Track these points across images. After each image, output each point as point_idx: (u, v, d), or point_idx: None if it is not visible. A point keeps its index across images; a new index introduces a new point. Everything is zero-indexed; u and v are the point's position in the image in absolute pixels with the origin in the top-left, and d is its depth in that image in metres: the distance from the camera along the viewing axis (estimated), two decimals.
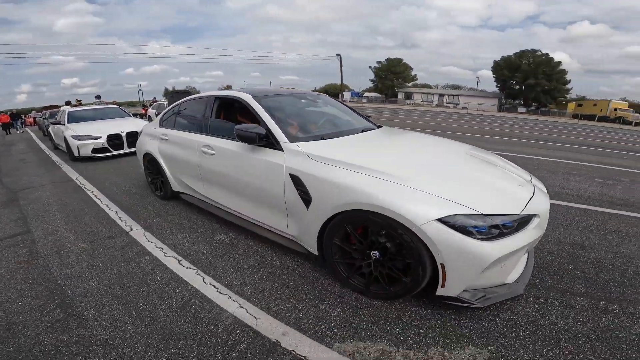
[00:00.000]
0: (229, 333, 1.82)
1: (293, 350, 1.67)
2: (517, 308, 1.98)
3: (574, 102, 42.65)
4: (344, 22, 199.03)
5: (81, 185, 5.16)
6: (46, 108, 18.40)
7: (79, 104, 12.46)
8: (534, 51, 44.99)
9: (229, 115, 3.20)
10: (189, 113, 3.49)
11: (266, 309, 2.01)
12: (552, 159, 7.35)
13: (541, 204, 1.92)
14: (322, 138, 2.48)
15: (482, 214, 1.62)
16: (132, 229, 3.30)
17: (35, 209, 4.12)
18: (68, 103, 13.60)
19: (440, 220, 1.60)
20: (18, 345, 1.76)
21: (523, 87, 45.75)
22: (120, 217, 3.64)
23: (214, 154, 2.86)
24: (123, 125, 7.53)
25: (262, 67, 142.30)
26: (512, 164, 2.55)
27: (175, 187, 3.73)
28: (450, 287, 1.73)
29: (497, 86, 49.52)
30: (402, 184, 1.76)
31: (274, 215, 2.43)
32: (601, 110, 36.25)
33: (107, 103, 12.53)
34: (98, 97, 13.28)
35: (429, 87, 58.48)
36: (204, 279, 2.35)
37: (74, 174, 6.00)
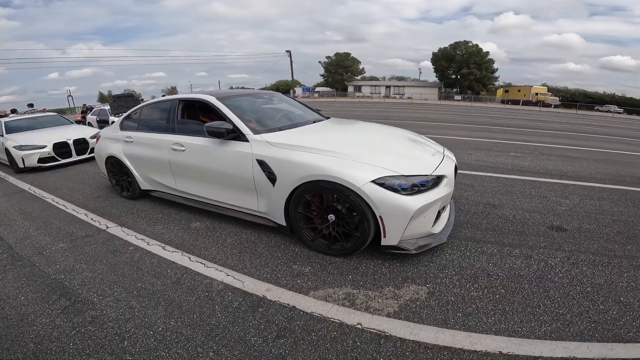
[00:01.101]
0: (222, 296, 2.23)
1: (278, 300, 2.11)
2: (445, 255, 2.56)
3: (502, 89, 47.79)
4: (291, 18, 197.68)
5: (37, 195, 5.05)
6: None
7: (12, 112, 11.38)
8: (466, 42, 49.46)
9: (193, 115, 3.57)
10: (154, 115, 3.76)
11: (249, 274, 2.46)
12: (478, 139, 8.67)
13: (448, 168, 2.55)
14: (280, 129, 3.00)
15: (403, 175, 2.20)
16: (107, 227, 3.51)
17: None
18: None
19: (373, 181, 2.16)
20: (38, 331, 1.99)
21: (458, 76, 50.10)
22: (92, 219, 3.80)
23: (184, 150, 3.23)
24: (69, 133, 7.25)
25: (209, 66, 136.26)
26: (431, 141, 3.27)
27: (144, 185, 3.97)
28: (390, 237, 2.25)
29: (436, 76, 53.56)
30: (345, 158, 2.33)
31: (245, 197, 2.89)
32: (524, 95, 41.24)
33: (39, 111, 11.59)
34: (30, 105, 12.21)
35: (377, 79, 61.32)
36: (190, 258, 2.75)
37: (24, 185, 5.75)
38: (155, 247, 2.98)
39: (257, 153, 2.67)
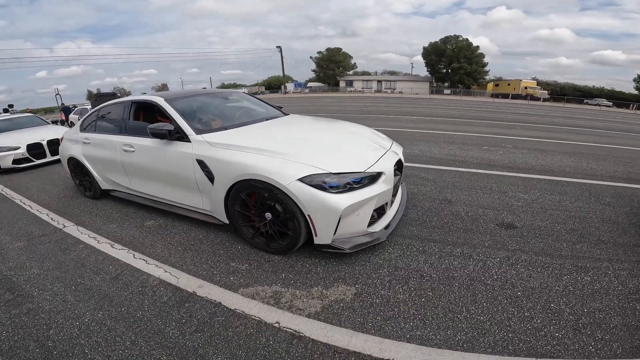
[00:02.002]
0: (155, 291, 2.31)
1: (206, 296, 2.18)
2: (384, 254, 2.53)
3: (492, 83, 48.13)
4: (282, 13, 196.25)
5: (8, 196, 5.13)
6: None
7: None
8: (456, 37, 49.69)
9: (147, 116, 3.68)
10: (109, 117, 3.87)
11: (187, 270, 2.57)
12: (455, 133, 8.83)
13: (388, 164, 2.50)
14: (225, 128, 3.10)
15: (332, 173, 2.19)
16: (65, 226, 3.63)
17: None
18: None
19: (300, 179, 2.17)
20: None
21: (449, 70, 50.27)
22: (52, 218, 3.91)
23: (134, 151, 3.34)
24: (43, 134, 7.31)
25: (200, 62, 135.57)
26: (382, 135, 3.31)
27: (104, 185, 4.09)
28: (322, 236, 2.26)
29: (427, 71, 53.77)
30: (278, 156, 2.35)
31: (191, 195, 3.01)
32: (514, 89, 41.64)
33: (20, 112, 11.57)
34: (10, 105, 12.20)
35: (369, 74, 61.39)
36: (134, 255, 2.88)
37: (3, 187, 5.84)
38: (104, 245, 3.10)
39: (197, 153, 2.78)
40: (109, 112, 3.91)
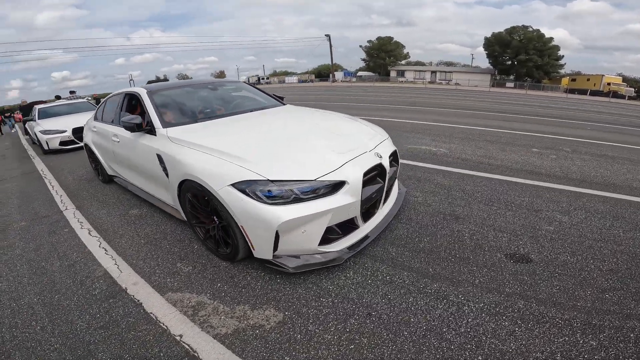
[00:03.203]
0: (93, 282, 2.27)
1: (133, 295, 2.09)
2: (340, 279, 2.06)
3: (568, 77, 42.23)
4: (334, 1, 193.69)
5: (42, 176, 5.66)
6: (28, 105, 16.16)
7: (56, 99, 12.87)
8: (524, 27, 44.38)
9: (138, 107, 3.66)
10: (109, 107, 3.95)
11: (133, 265, 2.46)
12: (500, 130, 7.47)
13: (355, 172, 2.00)
14: (196, 121, 2.90)
15: (268, 180, 1.81)
16: (66, 209, 3.81)
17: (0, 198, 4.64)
18: (58, 97, 13.95)
19: (232, 185, 1.87)
20: None
21: (515, 62, 45.25)
22: (61, 200, 4.15)
23: (119, 142, 3.34)
24: (88, 118, 7.98)
25: (256, 50, 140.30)
26: (371, 132, 2.73)
27: (109, 171, 4.23)
28: (261, 250, 1.95)
29: (489, 62, 49.12)
30: (220, 157, 2.06)
31: (159, 188, 2.90)
32: (594, 84, 36.06)
33: (84, 97, 12.92)
34: (72, 92, 13.70)
35: (423, 64, 57.97)
36: (100, 244, 2.85)
37: (41, 166, 6.50)
38: (83, 231, 3.15)
39: (157, 147, 2.62)
40: (110, 103, 4.00)
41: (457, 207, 3.01)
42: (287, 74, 77.26)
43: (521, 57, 43.56)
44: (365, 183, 2.11)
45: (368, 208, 2.28)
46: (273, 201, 1.82)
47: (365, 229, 2.26)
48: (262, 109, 3.49)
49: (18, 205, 4.19)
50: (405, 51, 56.67)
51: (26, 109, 13.30)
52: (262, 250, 1.96)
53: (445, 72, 50.18)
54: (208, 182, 2.01)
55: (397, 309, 1.82)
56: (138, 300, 2.07)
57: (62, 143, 7.45)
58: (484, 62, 54.27)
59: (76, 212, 3.69)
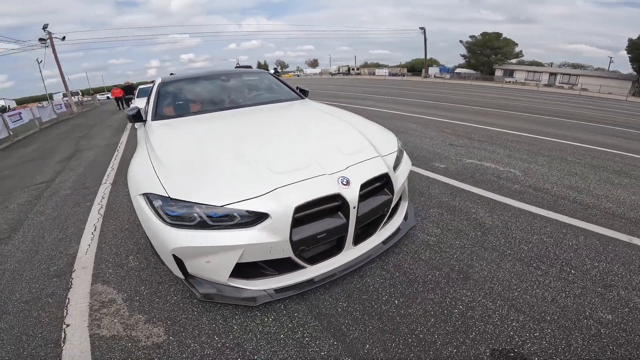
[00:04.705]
0: (60, 259, 2.35)
1: (72, 279, 2.10)
2: (254, 321, 1.65)
3: None
4: None
5: (117, 148, 6.48)
6: (129, 85, 16.33)
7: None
8: None
9: None
10: None
11: (99, 249, 2.47)
12: (617, 152, 5.14)
13: (283, 204, 1.52)
14: (180, 115, 2.76)
15: (169, 197, 1.54)
16: (104, 183, 4.17)
17: (75, 165, 5.46)
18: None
19: (142, 195, 1.66)
20: None
21: None
22: (108, 174, 4.59)
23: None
24: None
25: (350, 41, 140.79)
26: (352, 146, 2.02)
27: None
28: (171, 268, 1.73)
29: (632, 67, 38.69)
30: (153, 160, 1.85)
31: None
32: None
33: None
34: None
35: (540, 64, 49.26)
36: (95, 223, 2.97)
37: (124, 139, 7.49)
38: (95, 208, 3.37)
39: (139, 139, 2.56)
40: None
41: (477, 262, 2.06)
42: (378, 66, 75.36)
43: None
44: (307, 218, 1.60)
45: (330, 247, 1.80)
46: (173, 222, 1.53)
47: (312, 271, 1.75)
48: (268, 103, 3.15)
49: (79, 174, 4.79)
50: (517, 49, 49.02)
51: (127, 88, 15.80)
52: (173, 269, 1.70)
53: (569, 74, 41.45)
54: (130, 187, 1.86)
55: None
56: (70, 284, 2.08)
57: None
58: (625, 67, 43.07)
59: (108, 187, 3.98)
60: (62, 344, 1.59)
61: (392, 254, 2.15)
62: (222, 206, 1.51)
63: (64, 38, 22.29)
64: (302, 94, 3.56)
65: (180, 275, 1.70)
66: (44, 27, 21.22)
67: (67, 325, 1.71)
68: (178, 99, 3.10)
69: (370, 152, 1.98)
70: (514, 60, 48.62)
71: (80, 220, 3.08)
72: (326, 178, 1.68)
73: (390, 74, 57.09)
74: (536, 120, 8.80)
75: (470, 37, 51.42)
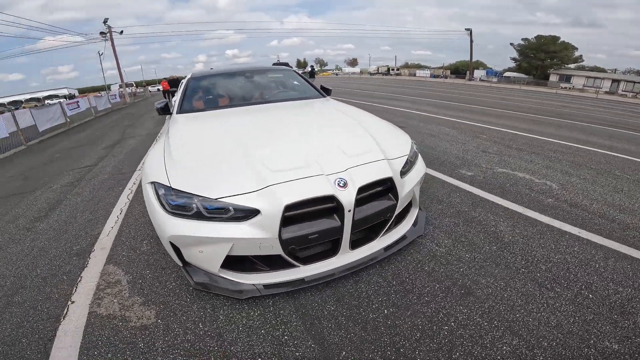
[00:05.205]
0: (84, 239, 2.58)
1: (89, 259, 2.28)
2: (240, 314, 1.68)
3: None
4: None
5: (157, 138, 6.92)
6: (175, 79, 16.38)
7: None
8: None
9: None
10: None
11: (120, 233, 2.66)
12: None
13: (274, 202, 1.54)
14: (209, 109, 2.90)
15: (170, 187, 1.62)
16: (138, 169, 4.49)
17: (118, 152, 5.93)
18: None
19: (150, 183, 1.75)
20: None
21: None
22: (143, 161, 4.91)
23: None
24: None
25: (392, 41, 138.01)
26: (356, 146, 1.97)
27: None
28: (171, 255, 1.80)
29: None
30: (166, 149, 1.96)
31: None
32: None
33: None
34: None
35: (603, 70, 44.74)
36: (122, 207, 3.19)
37: (165, 129, 7.99)
38: (126, 192, 3.62)
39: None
40: None
41: (483, 279, 1.90)
42: (419, 67, 73.06)
43: None
44: (300, 218, 1.60)
45: (325, 250, 1.81)
46: (173, 211, 1.60)
47: (304, 271, 1.74)
48: (288, 100, 3.19)
49: (119, 160, 5.19)
50: (576, 54, 45.00)
51: (173, 82, 16.31)
52: (172, 256, 1.77)
53: (634, 82, 37.19)
54: (142, 173, 1.96)
55: None
56: (86, 264, 2.23)
57: None
58: None
59: (140, 174, 4.25)
60: (62, 319, 1.71)
61: (394, 262, 2.07)
62: (216, 199, 1.56)
63: (121, 32, 24.29)
64: (325, 92, 3.56)
65: (179, 262, 1.77)
66: (105, 21, 23.27)
67: (72, 302, 1.84)
68: (201, 94, 3.24)
69: (376, 155, 1.91)
70: (572, 65, 44.72)
71: (110, 203, 3.33)
72: (322, 179, 1.65)
73: (432, 76, 55.14)
74: (585, 129, 8.00)
75: (522, 39, 48.16)
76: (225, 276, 1.71)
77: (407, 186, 1.96)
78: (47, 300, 1.89)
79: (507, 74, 49.54)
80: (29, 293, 1.96)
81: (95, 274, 2.10)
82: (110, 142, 7.09)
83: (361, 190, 1.68)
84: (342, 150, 1.88)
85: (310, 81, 3.81)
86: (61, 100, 10.83)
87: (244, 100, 3.18)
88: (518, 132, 6.66)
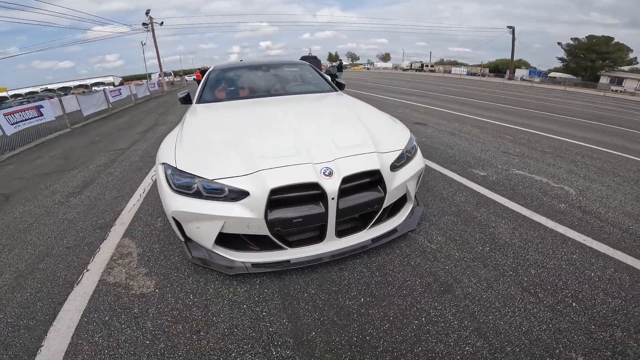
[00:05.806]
0: (108, 214, 2.85)
1: (109, 233, 2.53)
2: (228, 288, 1.85)
3: None
4: None
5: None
6: (206, 69, 18.98)
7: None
8: None
9: None
10: None
11: (140, 210, 2.92)
12: None
13: (261, 186, 1.68)
14: (224, 100, 3.11)
15: (176, 168, 1.82)
16: None
17: (150, 136, 6.38)
18: None
19: (162, 164, 1.96)
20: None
21: None
22: None
23: None
24: None
25: (428, 37, 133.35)
26: (351, 138, 2.06)
27: None
28: (175, 230, 1.97)
29: None
30: (176, 141, 2.13)
31: None
32: None
33: None
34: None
35: None
36: (146, 186, 3.47)
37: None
38: (151, 173, 3.90)
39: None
40: None
41: (466, 278, 1.92)
42: (455, 64, 70.07)
43: None
44: (288, 202, 1.74)
45: (317, 233, 1.94)
46: (177, 189, 1.80)
47: (290, 253, 1.88)
48: (299, 94, 3.34)
49: (150, 144, 5.63)
50: (631, 55, 41.13)
51: (204, 72, 17.17)
52: (176, 231, 1.96)
53: None
54: (157, 154, 2.15)
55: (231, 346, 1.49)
56: (106, 237, 2.50)
57: None
58: None
59: None
60: (75, 285, 1.93)
61: (382, 254, 2.14)
62: (212, 180, 1.75)
63: (162, 23, 25.47)
64: (338, 87, 3.66)
65: (181, 237, 1.96)
66: (147, 12, 24.47)
67: (87, 270, 2.07)
68: (219, 85, 3.45)
69: (367, 148, 1.98)
70: (626, 68, 40.89)
71: (135, 183, 3.65)
72: (309, 167, 1.76)
73: (469, 73, 52.65)
74: (625, 134, 7.40)
75: (572, 39, 44.55)
76: (218, 252, 1.89)
77: (397, 180, 2.01)
78: (67, 268, 2.12)
79: (552, 74, 46.21)
80: (53, 260, 2.22)
81: (112, 246, 2.35)
82: (145, 127, 7.60)
83: (346, 180, 1.77)
84: (334, 142, 1.98)
85: (325, 76, 3.89)
86: (105, 87, 11.71)
87: (256, 93, 3.35)
88: (547, 134, 6.33)
